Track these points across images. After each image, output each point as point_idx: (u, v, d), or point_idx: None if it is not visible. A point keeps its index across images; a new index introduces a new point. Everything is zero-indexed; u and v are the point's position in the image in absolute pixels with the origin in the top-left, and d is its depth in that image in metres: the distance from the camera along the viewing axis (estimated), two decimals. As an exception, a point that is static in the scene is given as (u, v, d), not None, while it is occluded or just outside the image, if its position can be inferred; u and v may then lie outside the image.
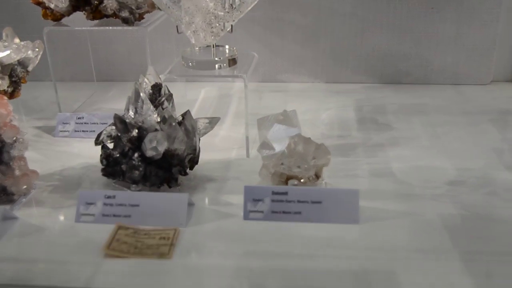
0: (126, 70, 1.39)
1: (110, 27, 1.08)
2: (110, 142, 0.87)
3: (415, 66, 1.30)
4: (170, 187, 0.83)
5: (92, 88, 1.34)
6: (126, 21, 1.05)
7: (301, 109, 1.16)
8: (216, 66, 0.97)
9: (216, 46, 0.99)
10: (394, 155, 0.96)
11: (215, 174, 0.91)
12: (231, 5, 0.90)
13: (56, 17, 1.09)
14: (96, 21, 1.09)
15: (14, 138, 0.82)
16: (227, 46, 1.00)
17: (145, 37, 1.07)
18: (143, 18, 1.08)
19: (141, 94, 0.83)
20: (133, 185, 0.84)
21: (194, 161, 0.85)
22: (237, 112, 1.18)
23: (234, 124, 1.10)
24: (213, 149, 0.99)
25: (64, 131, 1.08)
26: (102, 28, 1.09)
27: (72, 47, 1.35)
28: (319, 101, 1.22)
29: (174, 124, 0.80)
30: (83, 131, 1.07)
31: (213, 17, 0.90)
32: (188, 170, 0.85)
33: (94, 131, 1.07)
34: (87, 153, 1.00)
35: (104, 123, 1.07)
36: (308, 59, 1.32)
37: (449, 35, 1.26)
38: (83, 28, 1.09)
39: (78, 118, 1.08)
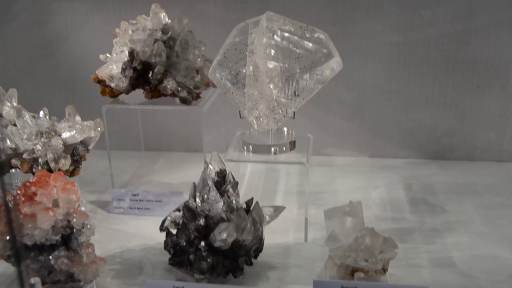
0: (173, 141, 1.41)
1: (169, 107, 1.10)
2: (174, 228, 0.87)
3: (460, 142, 1.31)
4: (235, 277, 0.83)
5: (139, 157, 1.36)
6: (184, 101, 1.08)
7: (349, 187, 1.18)
8: (274, 150, 0.98)
9: (273, 128, 1.01)
10: (452, 242, 0.95)
11: (276, 261, 0.91)
12: (294, 92, 0.92)
13: (114, 94, 1.12)
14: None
15: (82, 224, 0.84)
16: (285, 129, 1.02)
17: (202, 118, 1.09)
18: (199, 97, 1.10)
19: (209, 183, 0.84)
20: (197, 274, 0.84)
21: (258, 250, 0.86)
22: (287, 189, 1.18)
23: (286, 204, 1.10)
24: (269, 231, 0.99)
25: (119, 207, 1.09)
26: (160, 107, 1.11)
27: (122, 117, 1.37)
28: (367, 178, 1.23)
29: (243, 215, 0.81)
30: (138, 208, 1.08)
31: (276, 104, 0.92)
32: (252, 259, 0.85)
33: (149, 208, 1.08)
34: (144, 233, 1.01)
35: (159, 201, 1.08)
36: (353, 134, 1.34)
37: (494, 112, 1.28)
38: (142, 107, 1.12)
39: (133, 195, 1.09)
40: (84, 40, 1.36)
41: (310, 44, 0.92)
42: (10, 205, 0.83)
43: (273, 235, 0.98)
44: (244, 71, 0.93)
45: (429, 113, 1.29)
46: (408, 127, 1.31)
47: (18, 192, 0.84)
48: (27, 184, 0.85)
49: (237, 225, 0.81)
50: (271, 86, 0.91)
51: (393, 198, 1.12)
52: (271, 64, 0.91)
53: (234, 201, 0.83)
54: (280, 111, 0.93)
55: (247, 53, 0.92)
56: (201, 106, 1.09)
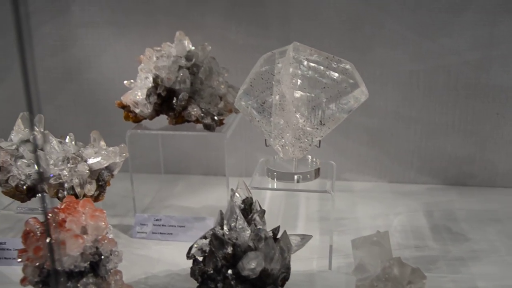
0: (192, 164, 1.42)
1: (192, 133, 1.12)
2: (201, 256, 0.88)
3: (480, 169, 1.31)
4: (262, 305, 0.83)
5: (158, 180, 1.37)
6: (208, 128, 1.09)
7: (370, 213, 1.18)
8: (297, 178, 0.98)
9: (297, 156, 1.01)
10: (477, 272, 0.95)
11: (301, 289, 0.91)
12: (320, 121, 0.93)
13: (138, 119, 1.13)
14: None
15: (110, 251, 0.84)
16: (309, 157, 1.03)
17: (225, 144, 1.10)
18: (223, 123, 1.11)
19: (237, 211, 0.85)
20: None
21: (285, 278, 0.86)
22: (308, 215, 1.19)
23: (308, 230, 1.10)
24: (292, 257, 0.99)
25: (142, 232, 1.09)
26: (184, 133, 1.12)
27: (142, 141, 1.38)
28: (387, 204, 1.23)
29: (271, 244, 0.81)
30: (160, 233, 1.09)
31: (302, 133, 0.93)
32: (279, 288, 0.85)
33: (171, 233, 1.08)
34: (168, 259, 1.01)
35: (182, 226, 1.09)
36: (372, 159, 1.34)
37: (514, 139, 1.28)
38: (166, 132, 1.13)
39: (156, 220, 1.10)
40: (106, 65, 1.38)
41: (336, 74, 0.93)
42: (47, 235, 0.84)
43: (297, 262, 0.98)
44: (270, 100, 0.94)
45: (449, 140, 1.30)
46: (428, 153, 1.31)
47: (48, 217, 0.85)
48: (56, 210, 0.86)
49: (266, 254, 0.81)
50: (298, 115, 0.92)
51: (415, 225, 1.12)
52: (297, 94, 0.92)
53: (262, 230, 0.83)
54: (306, 139, 0.94)
55: (273, 82, 0.93)
56: (224, 132, 1.10)
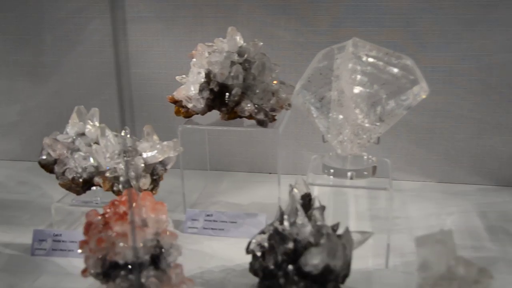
0: (236, 161, 1.42)
1: (245, 128, 1.11)
2: (259, 251, 0.87)
3: (533, 170, 1.28)
4: (323, 302, 0.83)
5: (203, 176, 1.37)
6: (261, 123, 1.08)
7: (422, 212, 1.17)
8: (350, 174, 0.97)
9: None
10: (540, 274, 0.93)
11: (359, 287, 0.90)
12: (380, 117, 0.92)
13: (189, 114, 1.13)
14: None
15: (171, 244, 0.84)
16: (365, 154, 1.02)
17: (278, 140, 1.09)
18: (275, 120, 1.11)
19: (298, 207, 0.84)
20: (283, 297, 0.84)
21: (346, 275, 0.85)
22: (358, 213, 1.17)
23: (360, 228, 1.09)
24: (347, 256, 0.98)
25: (193, 227, 1.09)
26: (236, 128, 1.12)
27: (189, 136, 1.39)
28: (438, 204, 1.21)
29: (335, 240, 0.81)
30: (212, 228, 1.08)
31: (360, 129, 0.92)
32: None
33: (223, 229, 1.08)
34: (221, 254, 1.01)
35: (233, 222, 1.08)
36: (421, 159, 1.32)
37: None
38: (217, 127, 1.12)
39: (207, 216, 1.10)
40: (153, 60, 1.39)
41: (396, 70, 0.91)
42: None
43: (352, 260, 0.97)
44: (328, 95, 0.93)
45: (501, 140, 1.27)
46: (478, 153, 1.29)
47: (108, 210, 0.86)
48: (116, 203, 0.86)
49: (329, 250, 0.80)
50: (357, 111, 0.91)
51: (470, 226, 1.10)
52: (356, 90, 0.91)
53: (324, 226, 0.82)
54: (364, 136, 0.93)
55: (332, 78, 0.93)
56: (276, 128, 1.10)
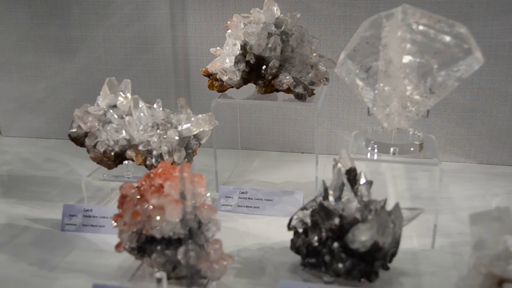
0: (268, 140, 1.37)
1: (282, 102, 1.07)
2: (301, 228, 0.83)
3: None
4: (370, 281, 0.78)
5: (235, 155, 1.33)
6: (300, 97, 1.03)
7: (464, 193, 1.12)
8: (393, 150, 0.92)
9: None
10: None
11: (406, 267, 0.85)
12: (430, 89, 0.86)
13: (222, 88, 1.09)
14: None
15: (209, 219, 0.80)
16: (410, 129, 0.97)
17: (317, 114, 1.05)
18: (313, 94, 1.06)
19: (344, 181, 0.80)
20: (327, 276, 0.80)
21: (394, 254, 0.80)
22: (398, 193, 1.12)
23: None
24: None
25: (227, 205, 1.05)
26: (273, 102, 1.07)
27: (220, 114, 1.35)
28: (480, 185, 1.16)
29: (384, 216, 0.76)
30: (246, 206, 1.04)
31: (409, 101, 0.87)
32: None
33: (258, 207, 1.04)
34: (257, 232, 0.97)
35: (269, 200, 1.04)
36: (462, 139, 1.26)
37: None
38: (253, 102, 1.08)
39: (242, 193, 1.05)
40: (183, 34, 1.34)
41: (448, 39, 0.86)
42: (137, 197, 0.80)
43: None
44: (375, 66, 0.88)
45: (548, 119, 1.21)
46: (524, 133, 1.23)
47: (143, 183, 0.82)
48: (151, 175, 0.82)
49: (378, 226, 0.75)
50: (406, 82, 0.86)
51: (517, 207, 1.05)
52: (406, 59, 0.86)
53: (373, 202, 0.78)
54: (413, 108, 0.88)
55: (380, 47, 0.87)
56: (315, 102, 1.05)
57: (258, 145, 1.39)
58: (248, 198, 1.05)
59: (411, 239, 0.94)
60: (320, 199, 0.82)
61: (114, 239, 0.90)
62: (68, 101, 1.47)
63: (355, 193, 0.80)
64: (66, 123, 1.47)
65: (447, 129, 1.27)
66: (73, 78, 1.45)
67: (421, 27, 0.86)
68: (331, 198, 0.80)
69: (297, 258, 0.86)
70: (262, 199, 1.04)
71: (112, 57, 1.41)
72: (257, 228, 0.99)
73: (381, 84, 0.87)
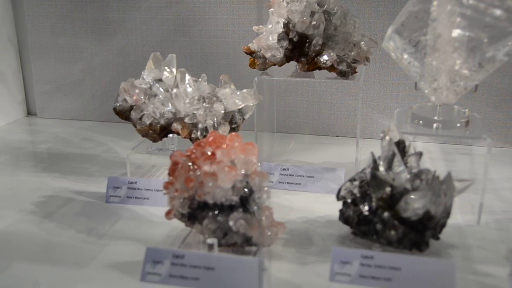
0: (303, 123, 1.38)
1: (325, 80, 1.07)
2: (349, 199, 0.83)
3: None
4: (421, 251, 0.78)
5: (270, 138, 1.33)
6: (343, 75, 1.04)
7: (505, 176, 1.13)
8: (436, 126, 0.92)
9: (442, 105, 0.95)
10: None
11: (453, 240, 0.85)
12: (479, 63, 0.86)
13: (264, 66, 1.10)
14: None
15: (260, 187, 0.81)
16: (455, 106, 0.97)
17: (359, 91, 1.05)
18: (356, 72, 1.06)
19: (395, 151, 0.80)
20: (376, 246, 0.80)
21: (444, 225, 0.80)
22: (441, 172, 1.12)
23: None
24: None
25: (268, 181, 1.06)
26: (315, 80, 1.08)
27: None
28: (521, 168, 1.16)
29: (437, 185, 0.76)
30: (288, 183, 1.05)
31: (457, 76, 0.87)
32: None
33: (299, 184, 1.05)
34: (300, 207, 0.98)
35: (311, 177, 1.05)
36: (500, 123, 1.26)
37: None
38: (296, 79, 1.09)
39: (283, 170, 1.06)
40: (220, 16, 1.35)
41: (499, 12, 0.86)
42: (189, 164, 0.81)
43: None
44: (424, 40, 0.88)
45: None
46: None
47: (194, 151, 0.83)
48: (202, 144, 0.83)
49: (431, 195, 0.76)
50: (455, 56, 0.86)
51: (560, 190, 1.04)
52: (455, 33, 0.86)
53: (424, 171, 0.78)
54: (461, 83, 0.88)
55: (429, 21, 0.87)
56: (357, 80, 1.05)
57: (292, 128, 1.39)
58: (290, 175, 1.05)
59: (455, 215, 0.94)
60: (368, 170, 0.82)
61: (160, 211, 0.92)
62: (104, 83, 1.48)
63: (405, 164, 0.81)
64: (102, 105, 1.49)
65: (485, 114, 1.26)
66: (109, 60, 1.46)
67: (471, 1, 0.86)
68: (381, 168, 0.80)
69: (344, 230, 0.87)
70: (303, 176, 1.05)
71: (149, 39, 1.42)
72: (300, 203, 0.99)
73: (429, 59, 0.87)
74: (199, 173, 0.79)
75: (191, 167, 0.81)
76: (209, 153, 0.80)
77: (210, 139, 0.82)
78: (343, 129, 1.36)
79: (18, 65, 1.54)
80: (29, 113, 1.60)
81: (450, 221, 0.90)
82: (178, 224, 0.87)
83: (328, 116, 1.36)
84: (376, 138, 1.31)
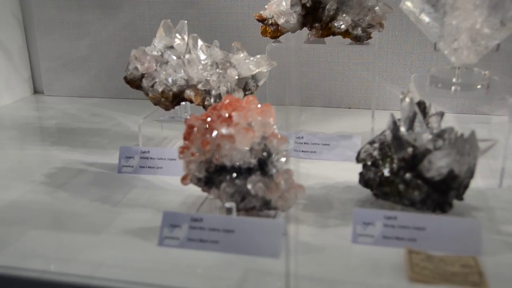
0: (314, 95, 1.36)
1: (340, 45, 1.05)
2: (369, 161, 0.82)
3: None
4: (444, 212, 0.77)
5: (281, 110, 1.31)
6: (358, 39, 1.02)
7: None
8: (454, 88, 0.90)
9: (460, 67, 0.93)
10: None
11: (475, 203, 0.83)
12: (501, 21, 0.84)
13: (276, 34, 1.07)
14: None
15: (278, 150, 0.79)
16: (475, 69, 0.94)
17: (375, 57, 1.03)
18: (371, 37, 1.04)
19: (417, 110, 0.78)
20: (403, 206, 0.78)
21: (467, 186, 0.79)
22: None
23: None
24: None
25: (283, 149, 1.04)
26: (329, 47, 1.06)
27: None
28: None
29: (461, 144, 0.74)
30: (303, 151, 1.03)
31: (478, 35, 0.85)
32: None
33: (315, 152, 1.03)
34: (317, 174, 0.96)
35: (326, 144, 1.03)
36: (516, 90, 1.24)
37: None
38: (309, 45, 1.06)
39: (298, 138, 1.04)
40: (229, -12, 1.33)
41: (522, -31, 0.83)
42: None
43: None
44: (443, -2, 0.86)
45: None
46: None
47: (209, 114, 0.81)
48: (217, 108, 0.81)
49: (455, 153, 0.74)
50: (476, 14, 0.84)
51: None
52: (476, -10, 0.84)
53: (447, 130, 0.76)
54: (482, 42, 0.85)
55: (449, -22, 0.85)
56: (373, 45, 1.03)
57: (303, 100, 1.37)
58: (304, 143, 1.04)
59: (476, 179, 0.91)
60: (389, 132, 0.80)
61: (174, 180, 0.90)
62: (111, 58, 1.46)
63: (427, 125, 0.79)
64: (109, 81, 1.47)
65: (500, 81, 1.24)
66: (116, 34, 1.44)
67: (492, -43, 0.84)
68: (402, 129, 0.78)
69: (363, 195, 0.85)
70: (318, 144, 1.03)
71: (156, 12, 1.39)
72: (316, 170, 0.97)
73: (449, 18, 0.85)
74: (216, 135, 0.77)
75: (207, 130, 0.79)
76: (226, 115, 0.78)
77: (226, 102, 0.80)
78: (356, 100, 1.34)
79: (23, 42, 1.52)
80: (36, 91, 1.58)
81: (471, 185, 0.88)
82: (193, 192, 0.85)
83: (340, 87, 1.34)
84: (390, 109, 1.29)
